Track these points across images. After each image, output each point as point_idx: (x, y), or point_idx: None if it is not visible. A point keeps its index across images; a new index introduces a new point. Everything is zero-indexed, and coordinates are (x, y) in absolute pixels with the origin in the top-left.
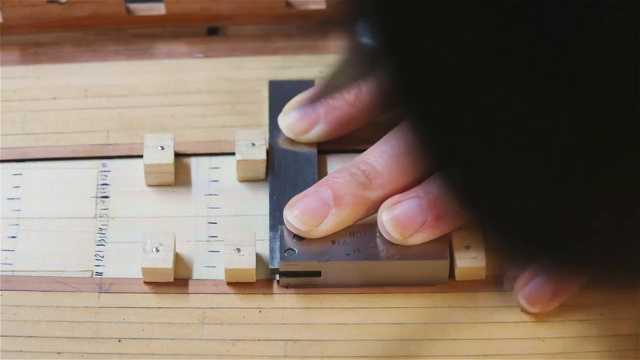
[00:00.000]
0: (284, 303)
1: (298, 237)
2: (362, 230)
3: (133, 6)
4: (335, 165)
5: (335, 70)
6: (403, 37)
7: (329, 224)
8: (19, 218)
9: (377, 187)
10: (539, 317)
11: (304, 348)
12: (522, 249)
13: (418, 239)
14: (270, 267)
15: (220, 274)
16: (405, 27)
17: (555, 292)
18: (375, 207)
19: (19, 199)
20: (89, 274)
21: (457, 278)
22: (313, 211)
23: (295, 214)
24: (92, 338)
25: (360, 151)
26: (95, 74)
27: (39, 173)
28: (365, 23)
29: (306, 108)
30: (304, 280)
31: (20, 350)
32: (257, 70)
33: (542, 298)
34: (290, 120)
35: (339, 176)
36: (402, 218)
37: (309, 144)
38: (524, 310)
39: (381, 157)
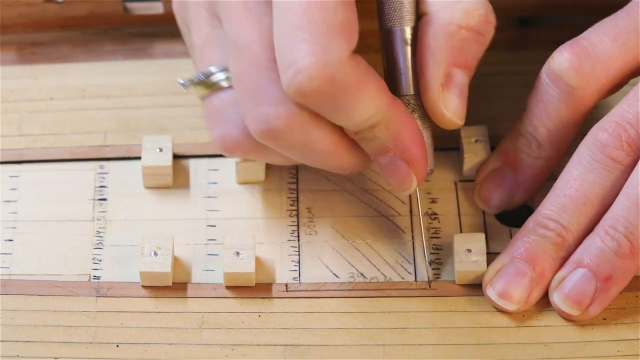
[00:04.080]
0: (284, 307)
1: None
2: None
3: (131, 5)
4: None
5: None
6: None
7: (535, 297)
8: (15, 221)
9: (572, 244)
10: (541, 322)
11: (304, 353)
12: None
13: (597, 309)
14: None
15: (219, 278)
16: None
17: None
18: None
19: (15, 201)
20: (86, 278)
21: (458, 282)
22: (516, 293)
23: (499, 296)
24: (90, 343)
25: None
26: (93, 74)
27: (36, 175)
28: None
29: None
30: None
31: (18, 356)
32: None
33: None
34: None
35: (530, 242)
36: (573, 295)
37: None
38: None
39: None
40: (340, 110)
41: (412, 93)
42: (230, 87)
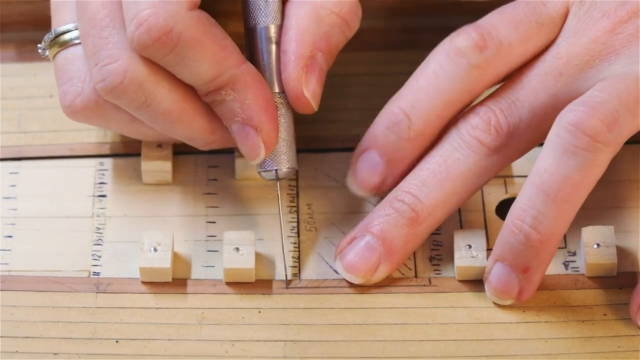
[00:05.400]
0: (284, 303)
1: None
2: None
3: None
4: (335, 161)
5: None
6: None
7: (382, 273)
8: (15, 217)
9: (426, 218)
10: (541, 318)
11: (304, 349)
12: None
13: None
14: None
15: (219, 274)
16: None
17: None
18: (426, 235)
19: (15, 197)
20: (86, 274)
21: (458, 278)
22: (363, 268)
23: (345, 269)
24: (89, 339)
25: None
26: None
27: (35, 171)
28: None
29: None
30: None
31: (17, 351)
32: None
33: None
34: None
35: (384, 216)
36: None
37: None
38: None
39: (423, 184)
40: (184, 65)
41: (277, 91)
42: (80, 44)
